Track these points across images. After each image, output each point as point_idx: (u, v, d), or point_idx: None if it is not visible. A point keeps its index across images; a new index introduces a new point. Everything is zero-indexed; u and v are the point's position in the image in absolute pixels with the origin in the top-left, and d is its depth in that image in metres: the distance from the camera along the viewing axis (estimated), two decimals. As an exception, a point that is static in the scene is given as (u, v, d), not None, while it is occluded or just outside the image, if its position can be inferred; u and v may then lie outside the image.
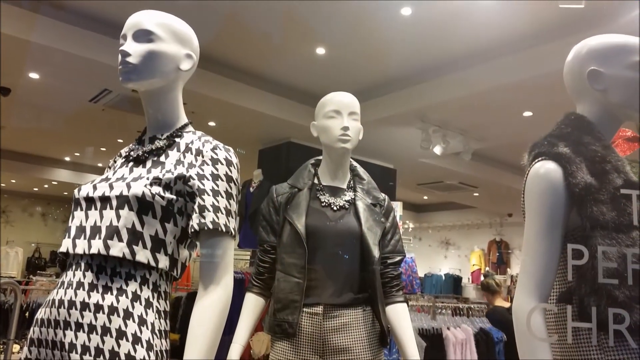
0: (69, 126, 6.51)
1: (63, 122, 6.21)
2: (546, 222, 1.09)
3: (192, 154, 1.17)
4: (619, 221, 1.03)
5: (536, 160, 1.15)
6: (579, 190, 1.07)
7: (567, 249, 0.97)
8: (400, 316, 1.64)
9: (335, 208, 1.67)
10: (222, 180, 1.13)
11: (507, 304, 3.85)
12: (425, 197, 11.07)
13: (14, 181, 10.10)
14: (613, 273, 0.98)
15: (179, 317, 4.96)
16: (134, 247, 1.06)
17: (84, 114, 5.76)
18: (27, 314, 4.45)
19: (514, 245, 10.90)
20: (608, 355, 0.99)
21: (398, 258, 1.72)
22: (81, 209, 1.14)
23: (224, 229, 1.10)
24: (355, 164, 1.81)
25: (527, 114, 5.00)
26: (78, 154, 8.56)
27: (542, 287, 1.07)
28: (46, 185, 10.37)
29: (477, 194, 8.88)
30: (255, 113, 5.27)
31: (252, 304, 1.67)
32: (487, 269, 10.71)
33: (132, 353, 0.99)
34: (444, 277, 10.73)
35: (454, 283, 10.62)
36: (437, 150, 5.37)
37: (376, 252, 1.62)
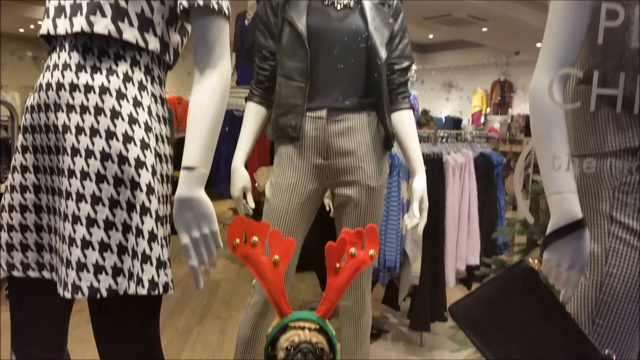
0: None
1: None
2: None
3: None
4: None
5: None
6: None
7: (599, 11, 0.87)
8: (406, 122, 1.60)
9: (339, 7, 1.53)
10: None
11: None
12: (431, 36, 10.58)
13: (-4, 22, 9.56)
14: None
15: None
16: (120, 24, 0.96)
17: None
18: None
19: (518, 85, 10.76)
20: (626, 133, 0.95)
21: (406, 64, 1.62)
22: None
23: (216, 7, 0.99)
24: None
25: None
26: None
27: (563, 67, 0.99)
28: (32, 26, 9.83)
29: (485, 29, 8.45)
30: None
31: (254, 112, 1.62)
32: (489, 109, 10.71)
33: (130, 133, 0.95)
34: (444, 120, 10.75)
35: (454, 125, 10.64)
36: (448, -26, 4.94)
37: (383, 54, 1.52)
